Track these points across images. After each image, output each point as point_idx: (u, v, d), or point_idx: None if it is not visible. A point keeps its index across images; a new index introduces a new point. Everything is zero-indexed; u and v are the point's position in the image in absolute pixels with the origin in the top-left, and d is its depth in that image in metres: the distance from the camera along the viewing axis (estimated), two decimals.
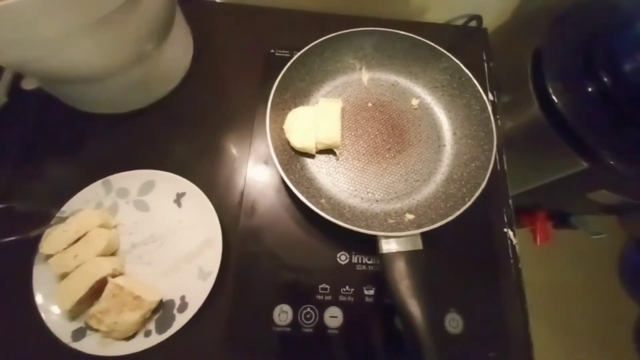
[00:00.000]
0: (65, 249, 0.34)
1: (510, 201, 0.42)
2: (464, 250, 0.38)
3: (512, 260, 0.39)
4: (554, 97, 0.37)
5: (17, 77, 0.41)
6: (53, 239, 0.34)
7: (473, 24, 0.51)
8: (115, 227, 0.37)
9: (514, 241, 0.40)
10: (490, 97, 0.47)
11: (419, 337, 0.27)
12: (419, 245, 0.31)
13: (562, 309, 1.13)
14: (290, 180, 0.33)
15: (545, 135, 0.39)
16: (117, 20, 0.31)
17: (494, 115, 0.46)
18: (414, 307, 0.28)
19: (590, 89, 0.37)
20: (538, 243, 0.58)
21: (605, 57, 0.35)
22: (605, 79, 0.35)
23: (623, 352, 1.09)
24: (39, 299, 0.32)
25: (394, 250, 0.31)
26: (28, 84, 0.40)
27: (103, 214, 0.36)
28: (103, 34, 0.30)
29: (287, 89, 0.38)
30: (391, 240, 0.31)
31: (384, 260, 0.31)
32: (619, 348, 1.10)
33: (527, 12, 0.47)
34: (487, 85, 0.48)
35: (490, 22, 0.52)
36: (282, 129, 0.37)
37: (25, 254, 0.33)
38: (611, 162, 0.35)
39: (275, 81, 0.36)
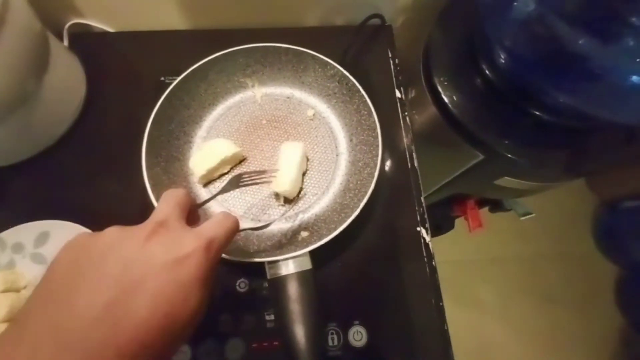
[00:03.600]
0: None
1: (422, 199, 0.42)
2: (372, 257, 0.37)
3: (425, 259, 0.39)
4: (441, 93, 0.37)
5: None
6: None
7: (377, 22, 0.50)
8: (25, 287, 0.36)
9: (427, 239, 0.40)
10: (398, 95, 0.47)
11: None
12: (307, 265, 0.31)
13: (542, 280, 1.14)
14: None
15: (442, 130, 0.39)
16: None
17: (402, 113, 0.46)
18: (299, 332, 0.28)
19: (475, 81, 0.36)
20: (470, 231, 0.59)
21: (483, 47, 0.35)
22: (487, 71, 0.35)
23: (605, 313, 1.11)
24: None
25: (281, 274, 0.30)
26: None
27: (9, 276, 0.35)
28: None
29: (170, 119, 0.37)
30: (278, 264, 0.30)
31: (271, 285, 0.30)
32: (602, 310, 1.11)
33: (422, 6, 0.46)
34: (394, 83, 0.48)
35: (394, 18, 0.51)
36: (180, 161, 0.37)
37: None
38: (503, 153, 0.35)
39: (151, 115, 0.35)
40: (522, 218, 0.57)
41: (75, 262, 0.19)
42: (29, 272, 0.36)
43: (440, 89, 0.37)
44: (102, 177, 0.40)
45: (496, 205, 0.60)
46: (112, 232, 0.20)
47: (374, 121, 0.36)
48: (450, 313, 0.37)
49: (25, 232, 0.36)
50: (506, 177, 0.40)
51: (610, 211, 1.25)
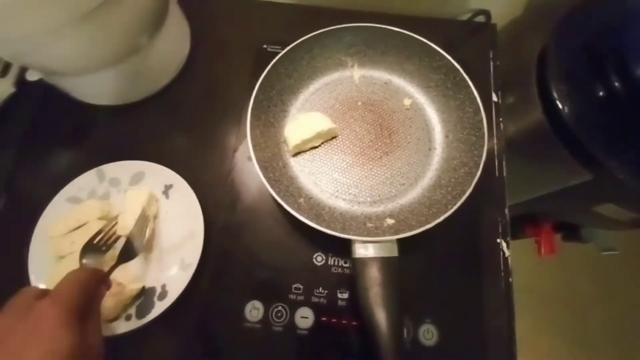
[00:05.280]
0: (65, 234, 0.36)
1: (506, 211, 0.40)
2: (450, 259, 0.36)
3: (502, 273, 0.37)
4: (557, 101, 0.34)
5: (24, 69, 0.43)
6: (57, 223, 0.36)
7: (481, 19, 0.48)
8: (116, 217, 0.39)
9: (507, 253, 0.38)
10: (495, 99, 0.44)
11: (381, 347, 0.26)
12: (394, 252, 0.31)
13: (580, 322, 1.07)
14: (268, 177, 0.33)
15: (547, 141, 0.36)
16: (102, 16, 0.31)
17: (497, 118, 0.44)
18: (380, 316, 0.28)
19: (598, 94, 0.33)
20: (542, 255, 0.55)
21: (615, 59, 0.32)
22: (616, 83, 0.32)
23: None
24: (32, 278, 0.35)
25: (368, 256, 0.30)
26: (31, 76, 0.42)
27: (105, 206, 0.37)
28: (88, 29, 0.31)
29: (272, 86, 0.37)
30: (366, 245, 0.30)
31: (356, 264, 0.30)
32: None
33: (537, 7, 0.43)
34: (492, 86, 0.45)
35: (500, 17, 0.49)
36: (275, 128, 0.38)
37: (22, 230, 0.35)
38: (618, 174, 0.32)
39: (259, 78, 0.36)
40: (604, 253, 0.52)
41: None
42: (121, 206, 0.39)
43: (556, 97, 0.35)
44: (197, 129, 0.42)
45: (572, 234, 0.56)
46: None
47: (481, 120, 0.34)
48: None
49: (124, 168, 0.39)
50: (611, 205, 0.37)
51: None
